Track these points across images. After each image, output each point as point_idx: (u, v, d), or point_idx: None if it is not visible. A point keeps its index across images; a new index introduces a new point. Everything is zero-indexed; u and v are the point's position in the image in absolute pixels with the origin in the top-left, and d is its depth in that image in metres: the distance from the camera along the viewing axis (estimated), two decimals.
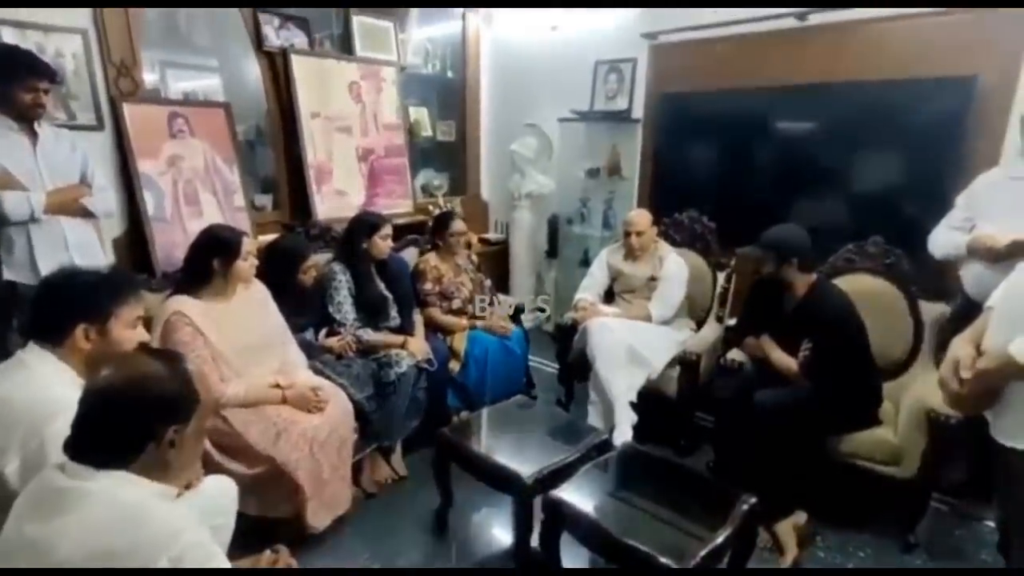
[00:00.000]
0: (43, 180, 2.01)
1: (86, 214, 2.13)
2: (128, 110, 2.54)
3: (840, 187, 2.88)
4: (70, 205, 2.06)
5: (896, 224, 2.62)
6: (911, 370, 2.32)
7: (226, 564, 0.97)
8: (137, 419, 0.95)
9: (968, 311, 2.12)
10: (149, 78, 2.77)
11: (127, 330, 1.29)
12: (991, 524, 2.07)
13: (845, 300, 2.06)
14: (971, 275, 2.11)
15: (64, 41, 2.36)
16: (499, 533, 2.14)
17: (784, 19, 2.85)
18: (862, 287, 2.36)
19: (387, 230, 2.50)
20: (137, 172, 2.56)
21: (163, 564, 0.86)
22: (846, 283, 2.34)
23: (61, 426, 1.13)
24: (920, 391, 2.06)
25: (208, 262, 1.87)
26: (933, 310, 2.31)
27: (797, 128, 2.98)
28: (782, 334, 2.15)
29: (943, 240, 2.18)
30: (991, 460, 1.28)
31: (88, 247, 2.16)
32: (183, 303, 1.82)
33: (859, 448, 2.06)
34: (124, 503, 0.91)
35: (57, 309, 1.22)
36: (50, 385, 1.18)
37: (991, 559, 1.90)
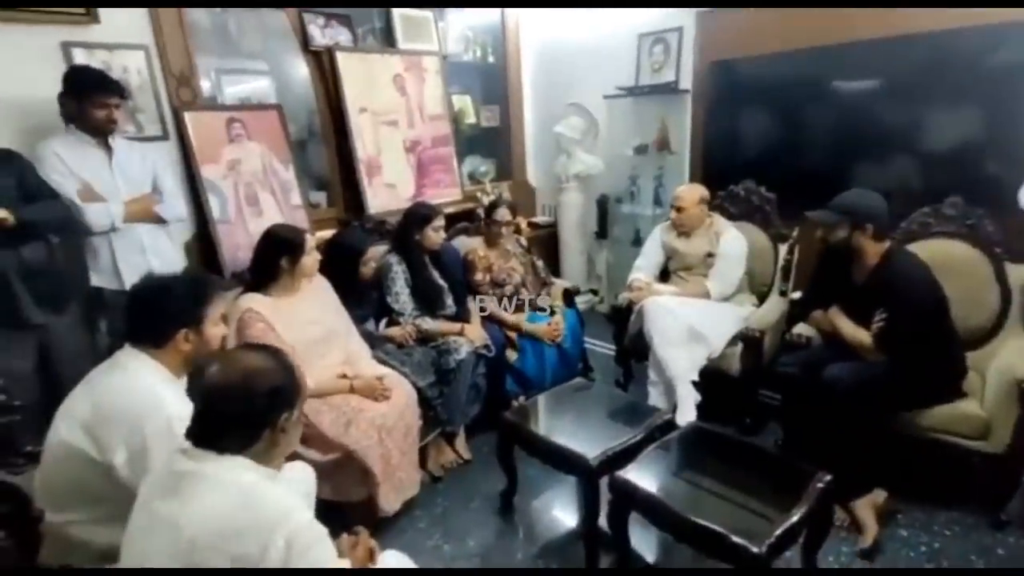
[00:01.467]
0: (120, 191, 2.14)
1: (159, 221, 2.25)
2: (189, 118, 2.66)
3: (909, 147, 2.71)
4: (145, 213, 2.19)
5: (975, 182, 2.45)
6: (998, 338, 2.18)
7: (329, 541, 1.05)
8: (255, 410, 1.04)
9: None
10: (205, 86, 2.89)
11: (215, 327, 1.41)
12: None
13: (922, 267, 1.94)
14: None
15: (128, 58, 2.48)
16: (565, 514, 2.15)
17: None
18: (940, 252, 2.22)
19: (439, 221, 2.53)
20: (201, 177, 2.67)
21: (279, 541, 0.94)
22: (922, 249, 2.20)
23: (160, 422, 1.22)
24: (1009, 360, 1.94)
25: (276, 260, 1.95)
26: (1021, 273, 2.15)
27: (858, 88, 2.82)
28: (852, 306, 2.04)
29: None
30: None
31: (164, 251, 2.29)
32: (254, 300, 1.91)
33: (942, 422, 1.95)
34: (242, 486, 1.00)
35: (159, 317, 1.33)
36: (148, 385, 1.28)
37: None
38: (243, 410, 1.03)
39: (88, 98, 2.04)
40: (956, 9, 2.43)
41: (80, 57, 2.30)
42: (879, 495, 1.96)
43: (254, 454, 1.04)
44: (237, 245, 2.75)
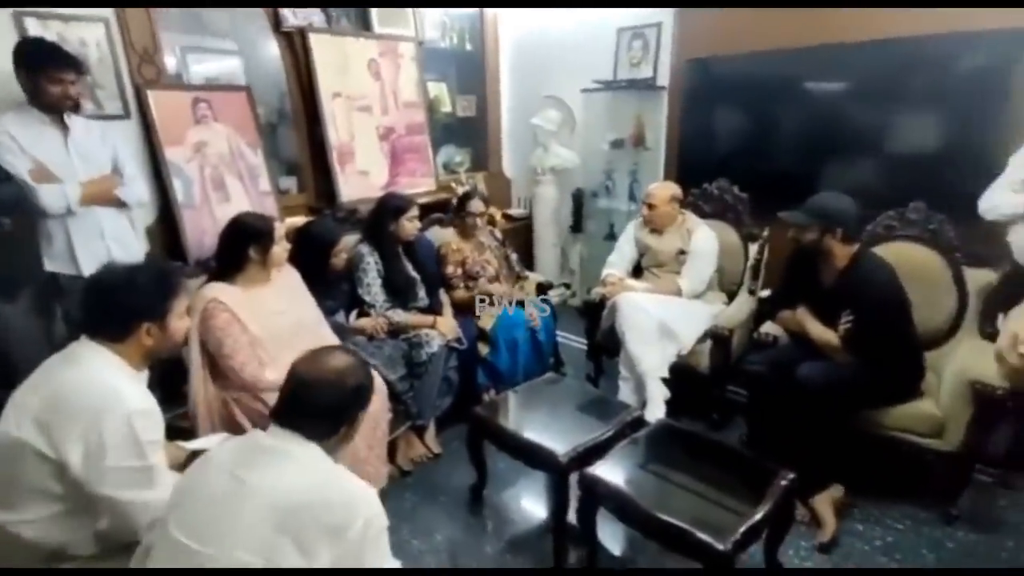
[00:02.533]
0: (77, 172, 2.04)
1: (120, 204, 2.16)
2: (153, 97, 2.55)
3: (878, 150, 2.78)
4: (104, 196, 2.09)
5: (938, 188, 2.52)
6: (954, 340, 2.25)
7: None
8: (342, 403, 1.14)
9: (1016, 279, 2.06)
10: (170, 63, 2.77)
11: (179, 321, 1.36)
12: None
13: (888, 271, 1.99)
14: (1020, 240, 2.03)
15: (86, 30, 2.35)
16: (534, 508, 2.17)
17: None
18: (903, 255, 2.29)
19: (413, 212, 2.49)
20: (165, 159, 2.57)
21: (359, 521, 1.02)
22: (886, 251, 2.26)
23: (119, 419, 1.18)
24: (964, 361, 2.01)
25: (243, 250, 1.88)
26: (978, 278, 2.23)
27: (831, 90, 2.87)
28: (820, 307, 2.09)
29: (997, 202, 2.09)
30: None
31: (124, 237, 2.20)
32: (219, 290, 1.85)
33: (900, 421, 2.02)
34: (327, 466, 1.09)
35: (120, 310, 1.28)
36: (107, 379, 1.23)
37: None
38: (333, 402, 1.12)
39: (41, 73, 1.94)
40: (928, 15, 2.49)
41: (33, 28, 2.17)
42: (837, 490, 2.02)
43: (328, 446, 1.12)
44: (202, 231, 2.67)
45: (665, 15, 3.33)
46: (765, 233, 2.75)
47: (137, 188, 2.23)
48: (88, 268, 2.02)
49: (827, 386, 1.93)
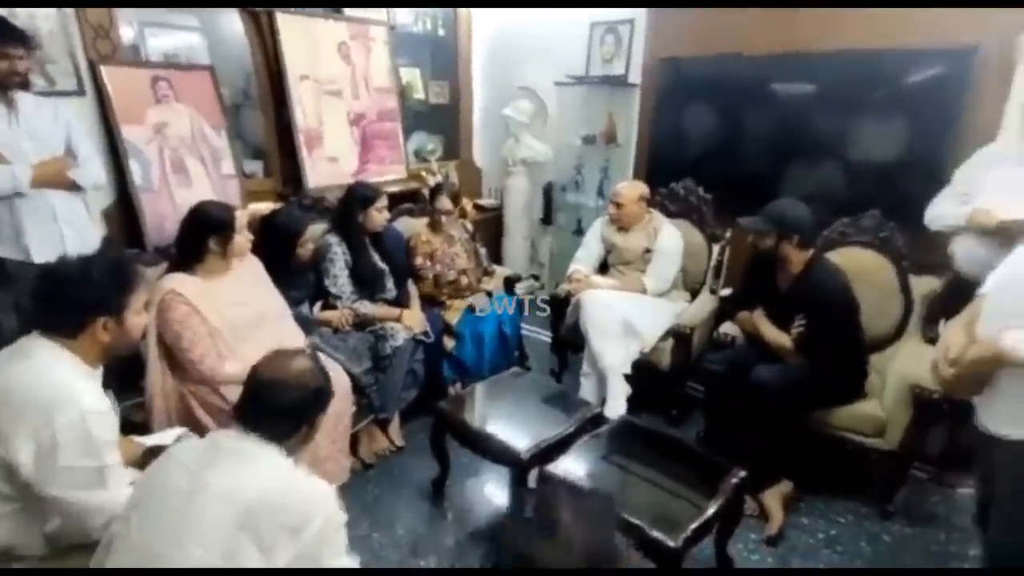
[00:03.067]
0: (26, 152, 1.95)
1: (74, 187, 2.07)
2: (108, 73, 2.44)
3: (837, 158, 2.86)
4: (56, 178, 2.00)
5: (891, 196, 2.63)
6: (899, 343, 2.37)
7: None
8: (302, 405, 1.16)
9: (957, 287, 2.17)
10: (127, 36, 2.66)
11: (137, 317, 1.33)
12: (966, 491, 2.16)
13: (842, 278, 2.07)
14: (962, 250, 2.14)
15: None
16: (494, 501, 2.20)
17: None
18: (855, 260, 2.39)
19: (382, 202, 2.47)
20: (122, 139, 2.47)
21: (318, 521, 1.05)
22: (840, 256, 2.36)
23: (72, 418, 1.15)
24: (906, 365, 2.12)
25: (204, 240, 1.84)
26: (922, 284, 2.34)
27: (796, 96, 2.94)
28: (776, 310, 2.17)
29: (941, 213, 2.19)
30: (973, 441, 1.32)
31: (78, 220, 2.12)
32: (177, 281, 1.80)
33: (846, 421, 2.12)
34: (286, 468, 1.10)
35: (74, 305, 1.24)
36: (59, 377, 1.19)
37: (965, 524, 1.99)
38: (293, 404, 1.14)
39: None
40: (889, 29, 2.58)
41: None
42: (786, 486, 2.12)
43: (288, 446, 1.13)
44: (162, 215, 2.58)
45: (638, 12, 3.34)
46: (728, 234, 2.82)
47: (92, 170, 2.14)
48: (39, 254, 1.95)
49: (780, 387, 2.01)
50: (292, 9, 2.99)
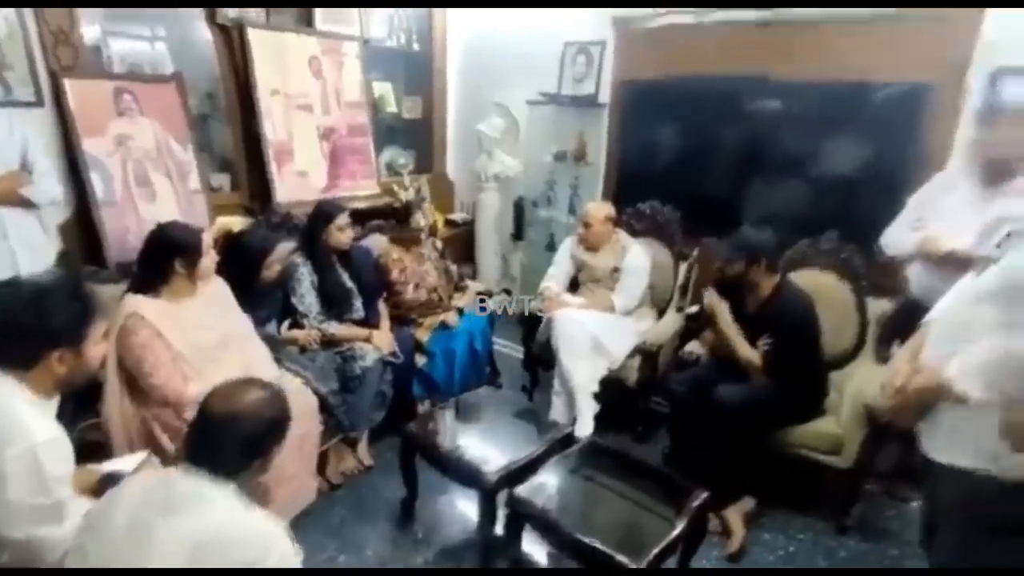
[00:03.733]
0: None
1: (27, 204, 2.01)
2: (70, 85, 2.38)
3: (798, 179, 2.96)
4: (8, 195, 1.95)
5: (850, 218, 2.73)
6: (855, 362, 2.46)
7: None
8: (255, 438, 1.12)
9: (909, 310, 2.25)
10: (90, 43, 2.59)
11: (96, 347, 1.29)
12: (918, 505, 2.24)
13: (808, 302, 2.15)
14: (915, 276, 2.23)
15: None
16: (463, 522, 2.20)
17: (751, 12, 2.86)
18: (815, 281, 2.47)
19: (342, 220, 2.43)
20: (83, 152, 2.41)
21: (273, 557, 1.04)
22: (801, 277, 2.44)
23: (23, 451, 1.12)
24: (861, 384, 2.19)
25: (168, 263, 1.80)
26: (877, 306, 2.44)
27: (759, 121, 3.02)
28: (743, 330, 2.22)
29: (896, 238, 2.28)
30: (919, 464, 1.37)
31: (31, 238, 2.06)
32: (140, 304, 1.76)
33: (804, 439, 2.19)
34: (238, 507, 1.06)
35: (29, 338, 1.19)
36: (10, 409, 1.15)
37: (917, 539, 2.06)
38: (246, 437, 1.10)
39: None
40: (850, 60, 2.69)
41: None
42: (748, 503, 2.17)
43: (241, 481, 1.09)
44: (125, 229, 2.53)
45: (609, 34, 3.41)
46: (694, 253, 2.89)
47: (48, 186, 2.08)
48: None
49: (742, 407, 2.07)
50: (263, 24, 2.97)
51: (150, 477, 1.14)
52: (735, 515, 2.13)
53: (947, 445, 1.23)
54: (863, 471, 2.15)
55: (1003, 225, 1.74)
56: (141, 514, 1.02)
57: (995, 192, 2.02)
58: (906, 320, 2.26)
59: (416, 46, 3.91)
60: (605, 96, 3.49)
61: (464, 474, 1.89)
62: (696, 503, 1.72)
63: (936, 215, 2.18)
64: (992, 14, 2.37)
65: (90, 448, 1.76)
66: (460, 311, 2.84)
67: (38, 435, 1.15)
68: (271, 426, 1.15)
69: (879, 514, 2.29)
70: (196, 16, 2.81)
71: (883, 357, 2.33)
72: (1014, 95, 2.36)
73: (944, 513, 1.29)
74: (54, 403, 1.29)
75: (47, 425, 1.20)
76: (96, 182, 2.44)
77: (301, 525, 2.04)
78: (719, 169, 3.18)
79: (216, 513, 1.03)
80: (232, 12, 2.85)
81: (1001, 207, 1.94)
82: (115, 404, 1.77)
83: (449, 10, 3.93)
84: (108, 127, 2.50)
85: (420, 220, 2.71)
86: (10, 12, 2.22)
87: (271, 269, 2.20)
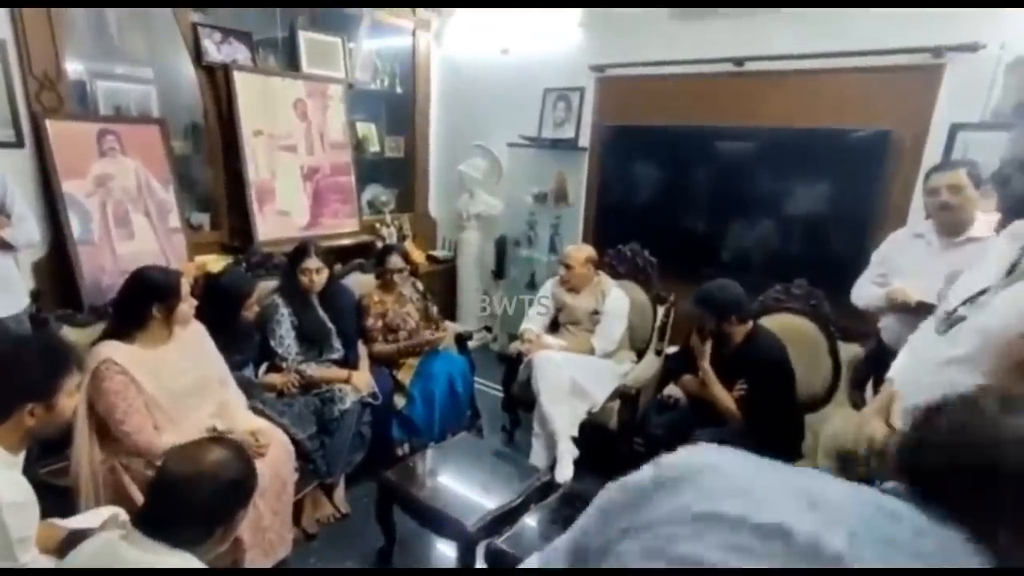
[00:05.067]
0: None
1: (4, 246, 1.99)
2: (52, 127, 2.39)
3: (772, 224, 3.05)
4: None
5: (818, 262, 2.82)
6: (830, 404, 2.50)
7: None
8: (218, 503, 1.06)
9: (879, 355, 2.32)
10: (75, 85, 2.61)
11: (69, 399, 1.27)
12: None
13: (780, 346, 2.19)
14: (888, 326, 2.28)
15: None
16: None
17: (723, 63, 3.00)
18: (787, 325, 2.52)
19: (310, 263, 2.39)
20: (61, 193, 2.41)
21: None
22: (774, 321, 2.49)
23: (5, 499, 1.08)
24: (834, 428, 2.21)
25: (146, 307, 1.77)
26: (849, 350, 2.49)
27: (733, 166, 3.13)
28: (718, 374, 2.26)
29: (864, 293, 2.34)
30: None
31: (6, 277, 2.04)
32: (114, 349, 1.73)
33: None
34: None
35: (1, 392, 1.18)
36: None
37: None
38: (207, 502, 1.03)
39: None
40: (811, 110, 2.83)
41: None
42: None
43: (202, 551, 1.04)
44: (100, 269, 2.51)
45: (588, 81, 3.53)
46: (671, 297, 2.94)
47: (27, 229, 2.08)
48: None
49: None
50: (249, 67, 3.02)
51: (98, 547, 1.04)
52: None
53: None
54: None
55: (959, 277, 1.80)
56: None
57: (951, 243, 2.10)
58: (877, 365, 2.33)
59: (399, 89, 4.00)
60: (585, 140, 3.59)
61: (443, 524, 1.86)
62: None
63: (898, 269, 2.25)
64: (952, 69, 2.51)
65: (55, 495, 1.71)
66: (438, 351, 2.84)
67: (3, 495, 1.12)
68: (234, 489, 1.08)
69: None
70: (182, 57, 2.84)
71: (855, 401, 2.38)
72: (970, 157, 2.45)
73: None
74: (20, 457, 1.26)
75: (14, 483, 1.17)
76: (74, 222, 2.44)
77: None
78: (696, 212, 3.27)
79: None
80: (219, 55, 2.90)
81: (956, 258, 2.02)
82: (84, 450, 1.72)
83: (432, 55, 4.04)
84: (89, 168, 2.50)
85: (395, 261, 2.70)
86: None
87: (250, 310, 2.19)
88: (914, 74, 2.61)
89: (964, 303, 1.28)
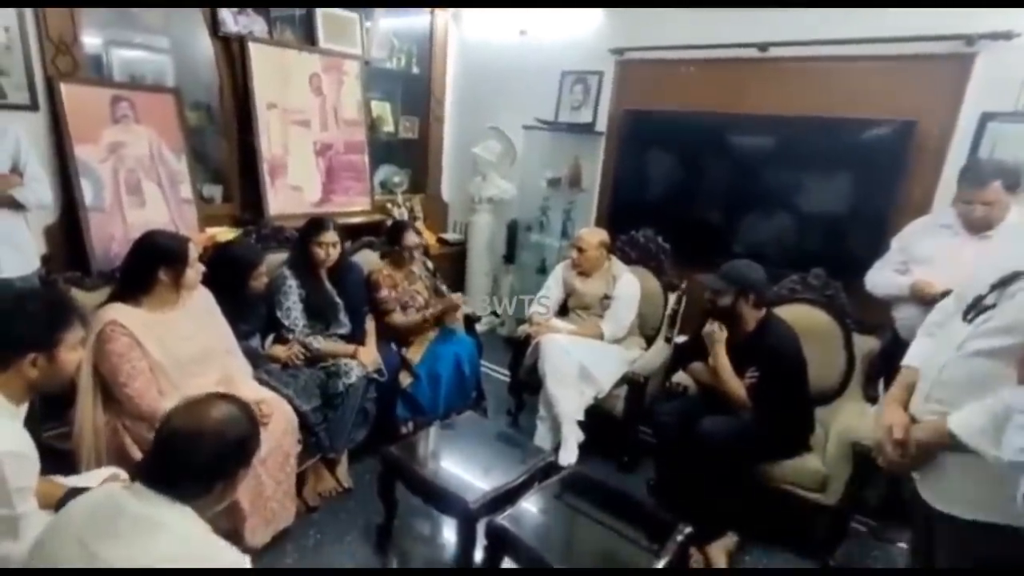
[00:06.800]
0: None
1: (15, 205, 1.99)
2: (66, 91, 2.38)
3: (788, 214, 2.99)
4: None
5: (837, 254, 2.76)
6: (842, 398, 2.45)
7: None
8: (221, 459, 1.05)
9: (896, 349, 2.26)
10: (91, 53, 2.60)
11: (71, 353, 1.26)
12: (904, 546, 2.22)
13: (792, 336, 2.14)
14: (905, 316, 2.23)
15: None
16: (442, 550, 2.14)
17: (746, 48, 2.93)
18: (802, 316, 2.46)
19: (328, 236, 2.38)
20: (74, 157, 2.40)
21: None
22: (789, 312, 2.43)
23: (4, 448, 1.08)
24: (848, 421, 2.18)
25: (153, 271, 1.77)
26: (864, 343, 2.44)
27: (751, 155, 3.07)
28: (730, 363, 2.21)
29: (882, 280, 2.30)
30: (913, 509, 1.33)
31: (16, 238, 2.04)
32: (120, 312, 1.73)
33: (789, 475, 2.16)
34: (196, 537, 1.00)
35: (2, 339, 1.18)
36: None
37: None
38: (210, 458, 1.03)
39: None
40: (838, 99, 2.76)
41: None
42: (731, 539, 2.14)
43: (201, 506, 1.03)
44: (110, 236, 2.51)
45: (607, 64, 3.47)
46: (684, 284, 2.89)
47: (39, 189, 2.07)
48: None
49: (726, 441, 2.04)
50: (265, 39, 3.00)
51: (100, 496, 1.04)
52: (718, 551, 2.09)
53: (958, 496, 1.18)
54: (849, 509, 2.12)
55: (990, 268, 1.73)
56: (85, 538, 0.95)
57: (980, 236, 2.05)
58: (893, 358, 2.27)
59: (416, 68, 3.96)
60: (602, 124, 3.53)
61: (444, 500, 1.84)
62: (679, 539, 1.68)
63: (921, 258, 2.20)
64: (984, 57, 2.43)
65: (58, 457, 1.71)
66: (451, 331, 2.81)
67: (3, 443, 1.11)
68: (237, 447, 1.07)
69: (865, 554, 2.25)
70: (199, 27, 2.82)
71: (870, 395, 2.33)
72: (999, 149, 2.38)
73: (948, 562, 1.25)
74: (23, 410, 1.26)
75: (14, 433, 1.16)
76: (86, 188, 2.43)
77: (277, 547, 1.99)
78: (712, 200, 3.22)
79: (166, 542, 0.95)
80: (235, 26, 2.88)
81: (984, 248, 1.96)
82: (88, 411, 1.72)
83: (450, 35, 4.00)
84: (102, 134, 2.49)
85: (411, 238, 2.68)
86: (11, 23, 2.24)
87: (258, 280, 2.18)
88: (943, 62, 2.53)
89: (993, 289, 1.22)
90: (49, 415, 1.85)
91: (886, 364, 2.28)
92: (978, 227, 2.05)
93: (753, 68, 2.99)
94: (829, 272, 2.57)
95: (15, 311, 1.20)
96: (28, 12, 2.27)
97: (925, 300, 2.07)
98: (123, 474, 1.54)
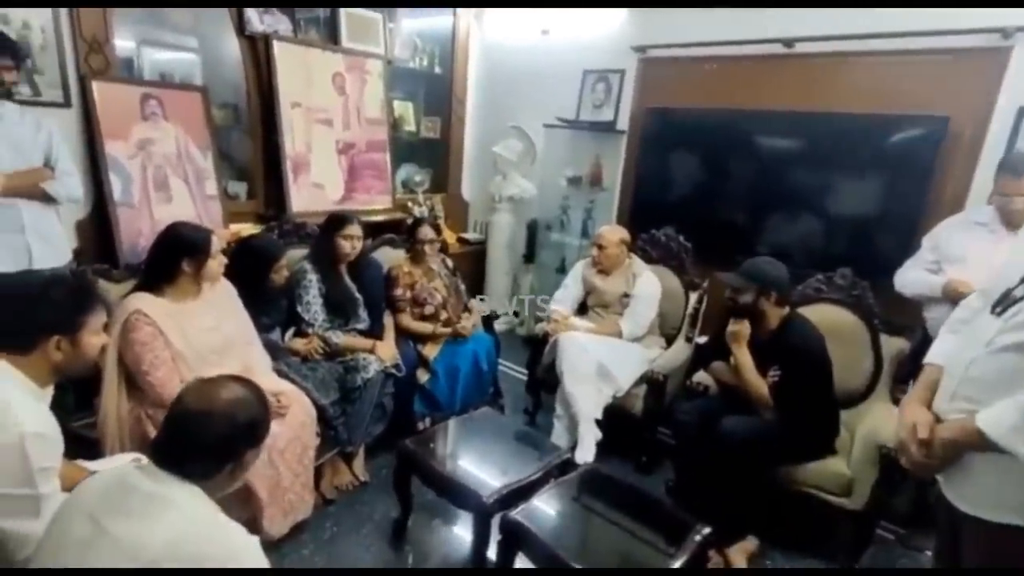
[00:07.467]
0: (2, 160, 1.93)
1: (47, 199, 2.04)
2: (98, 88, 2.45)
3: (814, 214, 2.93)
4: (29, 189, 1.98)
5: (865, 254, 2.69)
6: (868, 400, 2.38)
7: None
8: (231, 440, 1.05)
9: (926, 350, 2.18)
10: (123, 54, 2.67)
11: (94, 337, 1.28)
12: (931, 554, 2.14)
13: (816, 335, 2.09)
14: (936, 317, 2.15)
15: (31, 13, 2.25)
16: (456, 545, 2.13)
17: (771, 44, 2.88)
18: (828, 317, 2.40)
19: (351, 230, 2.41)
20: (104, 154, 2.47)
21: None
22: (814, 312, 2.37)
23: (11, 439, 1.11)
24: (874, 424, 2.12)
25: (176, 262, 1.80)
26: (892, 344, 2.37)
27: (776, 153, 3.02)
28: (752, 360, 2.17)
29: (913, 279, 2.23)
30: (937, 512, 1.28)
31: (48, 231, 2.09)
32: (144, 301, 1.76)
33: (813, 478, 2.11)
34: (205, 516, 1.00)
35: (27, 320, 1.20)
36: (1, 394, 1.14)
37: None
38: (220, 438, 1.04)
39: None
40: (871, 95, 2.69)
41: None
42: (751, 542, 2.09)
43: (210, 486, 1.04)
44: (138, 231, 2.57)
45: (629, 63, 3.44)
46: (705, 284, 2.85)
47: (70, 184, 2.12)
48: (2, 263, 1.91)
49: (747, 441, 2.00)
50: (290, 38, 3.05)
51: (112, 474, 1.04)
52: (738, 554, 2.05)
53: (986, 499, 1.13)
54: (874, 515, 2.06)
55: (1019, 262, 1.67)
56: (96, 513, 0.96)
57: (1016, 232, 1.98)
58: (921, 360, 2.20)
59: (438, 69, 3.99)
60: (623, 123, 3.51)
61: (459, 495, 1.84)
62: (697, 539, 1.65)
63: (954, 258, 2.13)
64: (1021, 50, 2.35)
65: (86, 445, 1.75)
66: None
67: (28, 423, 1.14)
68: (247, 428, 1.07)
69: (892, 562, 2.18)
70: (226, 27, 2.88)
71: (898, 398, 2.26)
72: None
73: (975, 563, 1.19)
74: (48, 392, 1.28)
75: (38, 414, 1.19)
76: (115, 183, 2.49)
77: (294, 537, 2.01)
78: (736, 199, 3.17)
79: (174, 519, 0.95)
80: (261, 25, 2.93)
81: (1021, 246, 1.88)
82: (112, 399, 1.75)
83: (472, 36, 4.01)
84: (132, 131, 2.55)
85: (425, 232, 2.69)
86: (47, 23, 2.30)
87: (279, 274, 2.21)
88: (978, 56, 2.46)
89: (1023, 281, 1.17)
90: (81, 406, 1.91)
91: (916, 366, 2.21)
92: (1016, 221, 1.98)
93: (779, 64, 2.94)
94: (856, 273, 2.50)
95: (40, 296, 1.22)
96: (63, 12, 2.34)
97: (959, 300, 2.00)
98: (144, 459, 1.56)
